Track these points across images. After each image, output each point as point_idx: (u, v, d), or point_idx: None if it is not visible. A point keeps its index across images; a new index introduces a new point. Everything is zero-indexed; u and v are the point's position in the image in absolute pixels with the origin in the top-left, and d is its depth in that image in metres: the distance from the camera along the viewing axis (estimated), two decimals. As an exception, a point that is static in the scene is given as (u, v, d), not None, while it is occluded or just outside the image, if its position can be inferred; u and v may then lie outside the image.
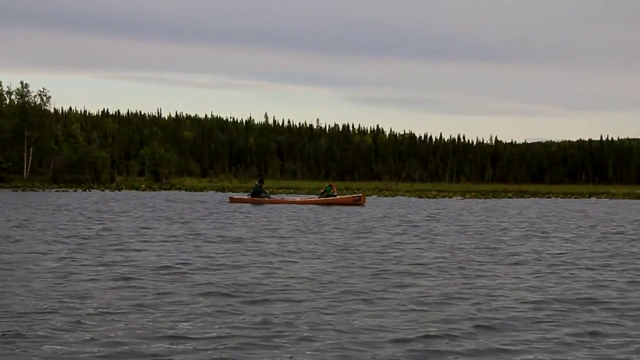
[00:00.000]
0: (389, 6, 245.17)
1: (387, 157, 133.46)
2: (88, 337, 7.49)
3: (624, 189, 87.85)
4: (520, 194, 69.67)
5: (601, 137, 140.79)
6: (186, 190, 66.94)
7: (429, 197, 58.02)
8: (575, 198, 64.82)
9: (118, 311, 8.74)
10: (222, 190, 68.16)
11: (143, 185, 70.47)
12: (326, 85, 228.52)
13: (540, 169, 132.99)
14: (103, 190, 59.71)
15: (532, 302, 9.75)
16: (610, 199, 64.70)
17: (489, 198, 59.91)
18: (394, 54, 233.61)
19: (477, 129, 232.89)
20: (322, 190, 41.20)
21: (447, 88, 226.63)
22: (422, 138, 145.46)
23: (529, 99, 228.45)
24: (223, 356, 6.93)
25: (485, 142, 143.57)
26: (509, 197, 63.14)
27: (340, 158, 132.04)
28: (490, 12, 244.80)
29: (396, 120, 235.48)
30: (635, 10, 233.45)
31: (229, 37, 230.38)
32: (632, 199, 65.10)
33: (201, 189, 69.03)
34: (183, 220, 24.60)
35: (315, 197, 41.42)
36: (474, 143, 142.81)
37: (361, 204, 38.38)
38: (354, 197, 39.87)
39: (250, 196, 40.07)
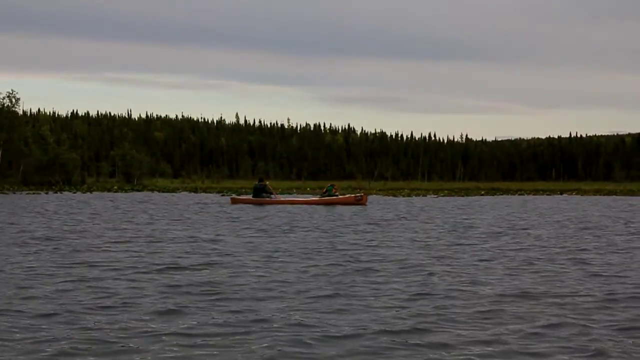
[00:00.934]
0: (359, 6, 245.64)
1: (358, 156, 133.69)
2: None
3: (594, 185, 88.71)
4: (493, 192, 70.05)
5: (570, 134, 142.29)
6: (159, 191, 66.49)
7: (403, 196, 58.12)
8: (547, 195, 65.30)
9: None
10: (195, 190, 67.80)
11: (115, 187, 69.92)
12: (296, 85, 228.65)
13: (510, 166, 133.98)
14: (74, 192, 59.10)
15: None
16: (582, 195, 65.25)
17: (462, 196, 60.15)
18: (363, 53, 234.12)
19: (447, 127, 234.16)
20: (324, 190, 41.13)
21: (417, 87, 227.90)
22: (393, 137, 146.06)
23: (498, 97, 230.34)
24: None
25: (456, 140, 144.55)
26: (482, 195, 63.45)
27: (312, 157, 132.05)
28: (458, 11, 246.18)
29: (367, 119, 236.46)
30: (601, 8, 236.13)
31: (197, 37, 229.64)
32: (603, 195, 65.73)
33: (174, 190, 68.61)
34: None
35: (316, 197, 41.42)
36: (445, 141, 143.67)
37: (363, 204, 38.45)
38: (355, 196, 39.82)
39: (251, 196, 39.93)
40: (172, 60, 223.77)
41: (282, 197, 41.06)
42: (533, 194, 66.19)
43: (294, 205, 36.81)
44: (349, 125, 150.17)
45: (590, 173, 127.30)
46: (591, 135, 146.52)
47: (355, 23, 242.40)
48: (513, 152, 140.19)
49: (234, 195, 43.53)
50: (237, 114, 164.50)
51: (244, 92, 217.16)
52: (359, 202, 38.69)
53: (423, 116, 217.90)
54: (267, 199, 38.87)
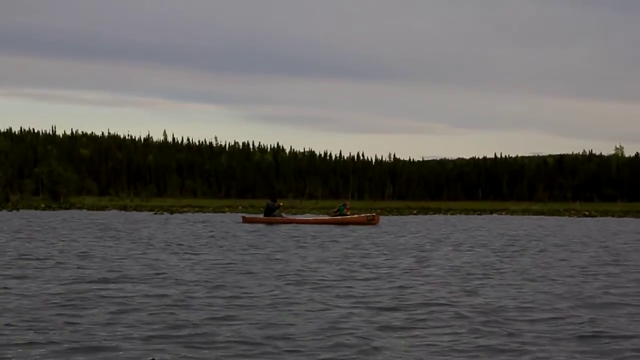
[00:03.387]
0: (286, 24, 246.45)
1: (287, 174, 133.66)
2: None
3: (521, 205, 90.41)
4: (424, 211, 70.74)
5: (495, 155, 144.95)
6: (87, 209, 65.25)
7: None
8: (478, 214, 66.27)
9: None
10: (125, 209, 66.72)
11: (42, 205, 68.28)
12: (224, 103, 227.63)
13: (437, 186, 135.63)
14: (0, 210, 57.47)
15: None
16: (512, 215, 66.42)
17: (395, 215, 60.56)
18: (290, 72, 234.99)
19: (375, 146, 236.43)
20: (335, 210, 40.65)
21: (345, 106, 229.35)
22: (322, 156, 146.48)
23: (423, 117, 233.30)
24: None
25: (384, 159, 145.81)
26: (414, 214, 64.02)
27: (240, 176, 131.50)
28: (385, 32, 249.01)
29: (296, 138, 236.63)
30: (523, 32, 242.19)
31: (122, 53, 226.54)
32: (531, 214, 67.03)
33: (102, 208, 67.40)
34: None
35: (327, 217, 40.85)
36: (373, 161, 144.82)
37: (374, 224, 38.17)
38: (367, 216, 39.68)
39: (263, 215, 39.36)
40: (97, 77, 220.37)
41: (292, 217, 40.41)
42: (465, 214, 67.08)
43: (305, 225, 36.29)
44: (277, 144, 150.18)
45: (514, 193, 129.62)
46: (514, 156, 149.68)
47: (283, 42, 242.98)
48: (440, 171, 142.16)
49: (245, 215, 43.05)
50: (164, 131, 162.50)
51: (171, 110, 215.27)
52: (371, 222, 38.40)
53: (351, 136, 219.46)
54: (279, 217, 38.55)
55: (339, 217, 38.76)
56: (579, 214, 66.28)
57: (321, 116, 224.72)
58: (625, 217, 61.95)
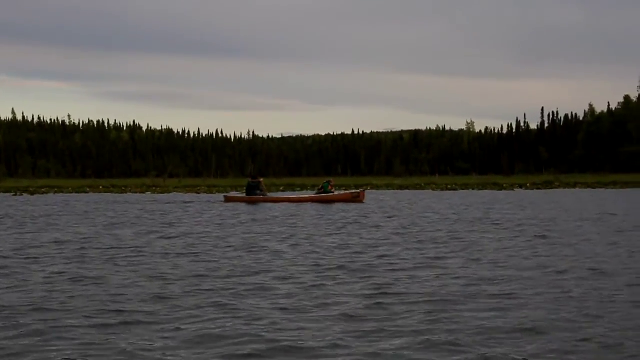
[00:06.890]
0: (142, 2, 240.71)
1: (145, 153, 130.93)
2: None
3: (384, 180, 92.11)
4: (290, 188, 70.82)
5: (353, 131, 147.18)
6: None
7: (201, 193, 57.30)
8: (344, 190, 66.90)
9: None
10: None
11: None
12: (75, 81, 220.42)
13: (297, 163, 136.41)
14: None
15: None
16: (378, 189, 67.46)
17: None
18: (144, 49, 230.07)
19: (233, 124, 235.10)
20: (320, 187, 38.88)
21: (199, 83, 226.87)
22: (180, 133, 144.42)
23: (278, 94, 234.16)
24: None
25: (243, 136, 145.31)
26: (282, 191, 63.94)
27: (96, 155, 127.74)
28: (241, 9, 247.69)
29: (152, 116, 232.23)
30: (375, 8, 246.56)
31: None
32: (395, 189, 68.29)
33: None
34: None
35: (311, 194, 39.38)
36: (232, 138, 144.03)
37: (360, 201, 36.94)
38: (352, 193, 38.44)
39: (245, 194, 37.54)
40: None
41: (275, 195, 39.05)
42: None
43: (288, 204, 34.98)
44: (134, 122, 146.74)
45: (372, 168, 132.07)
46: (369, 132, 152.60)
47: (139, 18, 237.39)
48: (299, 148, 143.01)
49: (227, 194, 41.21)
50: (13, 109, 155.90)
51: (17, 88, 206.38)
52: (356, 199, 37.25)
53: (208, 113, 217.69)
54: (261, 196, 37.05)
55: (324, 194, 37.75)
56: (441, 187, 68.06)
57: (178, 93, 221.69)
58: (485, 189, 64.02)
